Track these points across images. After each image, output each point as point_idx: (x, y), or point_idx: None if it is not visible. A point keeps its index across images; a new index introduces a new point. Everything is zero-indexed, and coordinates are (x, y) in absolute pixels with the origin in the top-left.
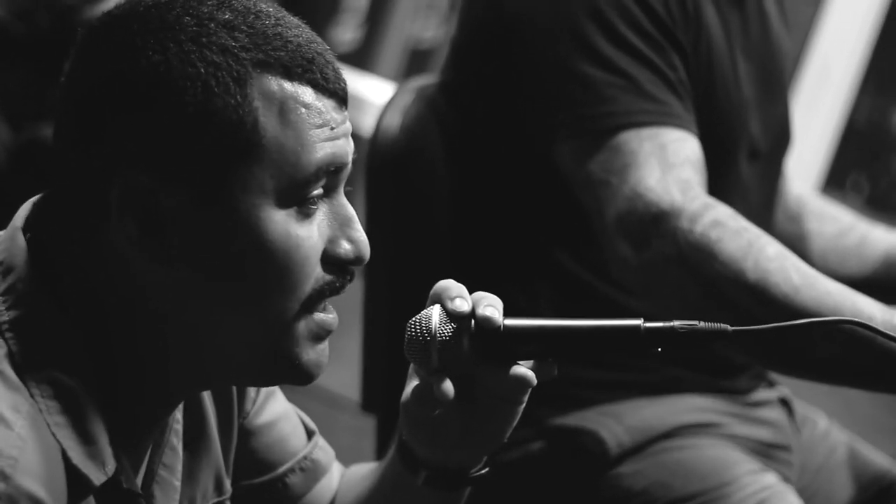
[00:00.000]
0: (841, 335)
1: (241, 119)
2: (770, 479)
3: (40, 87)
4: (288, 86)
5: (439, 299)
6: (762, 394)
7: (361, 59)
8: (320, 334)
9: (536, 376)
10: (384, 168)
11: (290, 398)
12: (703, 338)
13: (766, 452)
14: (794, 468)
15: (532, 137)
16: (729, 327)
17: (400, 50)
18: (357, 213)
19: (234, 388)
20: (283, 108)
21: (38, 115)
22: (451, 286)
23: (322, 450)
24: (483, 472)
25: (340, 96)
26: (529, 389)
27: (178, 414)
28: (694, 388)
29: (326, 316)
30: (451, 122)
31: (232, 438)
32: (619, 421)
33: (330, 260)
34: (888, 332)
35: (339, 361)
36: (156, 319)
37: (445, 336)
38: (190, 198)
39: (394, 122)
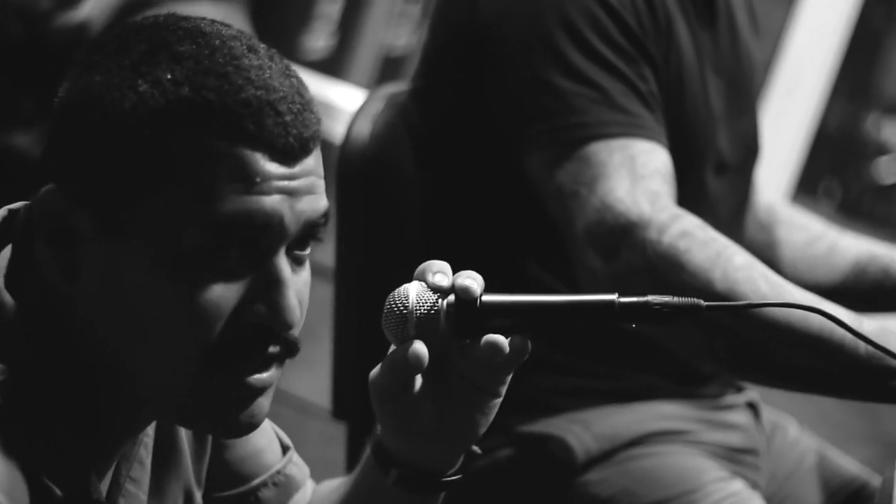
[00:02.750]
0: (811, 343)
1: (155, 151)
2: (737, 486)
3: (12, 95)
4: (211, 129)
5: (422, 275)
6: (730, 398)
7: (334, 66)
8: (243, 395)
9: (512, 349)
10: (354, 176)
11: None
12: (676, 312)
13: (734, 458)
14: (761, 472)
15: (503, 147)
16: (703, 302)
17: (372, 57)
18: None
19: None
20: (203, 151)
21: (10, 123)
22: (434, 263)
23: (296, 465)
24: (457, 477)
25: (284, 151)
26: (506, 380)
27: (150, 427)
28: (663, 394)
29: (249, 378)
30: (422, 129)
31: (206, 450)
32: (587, 428)
33: (244, 320)
34: (849, 338)
35: (309, 368)
36: (87, 345)
37: (423, 309)
38: (95, 221)
39: (364, 129)
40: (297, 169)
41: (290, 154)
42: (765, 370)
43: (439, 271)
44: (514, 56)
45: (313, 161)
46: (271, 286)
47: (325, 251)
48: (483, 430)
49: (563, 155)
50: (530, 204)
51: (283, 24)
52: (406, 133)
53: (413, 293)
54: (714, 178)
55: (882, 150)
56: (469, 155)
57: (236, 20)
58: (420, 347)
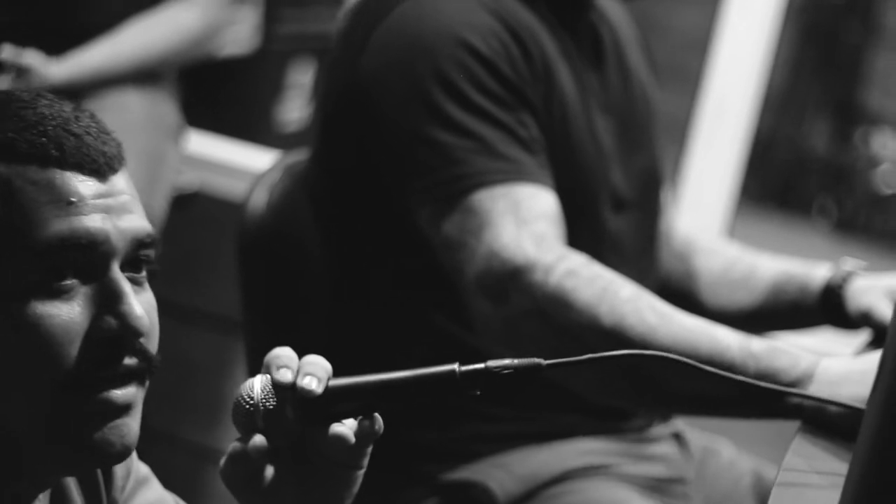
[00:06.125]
0: (700, 368)
1: None
2: None
3: None
4: (19, 164)
5: (267, 367)
6: (655, 431)
7: (310, 137)
8: (107, 412)
9: (360, 433)
10: (252, 245)
11: None
12: (517, 374)
13: (660, 488)
14: (692, 500)
15: (395, 205)
16: (543, 361)
17: None
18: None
19: (100, 477)
20: (9, 188)
21: None
22: (280, 355)
23: None
24: None
25: (92, 168)
26: (366, 452)
27: None
28: (586, 431)
29: (110, 393)
30: (321, 195)
31: None
32: (508, 471)
33: (95, 337)
34: (739, 360)
35: None
36: None
37: (269, 404)
38: None
39: (261, 199)
40: (107, 187)
41: (98, 171)
42: (661, 399)
43: (283, 366)
44: (394, 114)
45: (123, 182)
46: (113, 298)
47: None
48: (349, 501)
49: (449, 207)
50: (429, 258)
51: (254, 98)
52: (306, 200)
53: (258, 386)
54: (613, 215)
55: (874, 162)
56: (366, 216)
57: (166, 107)
58: (258, 440)
